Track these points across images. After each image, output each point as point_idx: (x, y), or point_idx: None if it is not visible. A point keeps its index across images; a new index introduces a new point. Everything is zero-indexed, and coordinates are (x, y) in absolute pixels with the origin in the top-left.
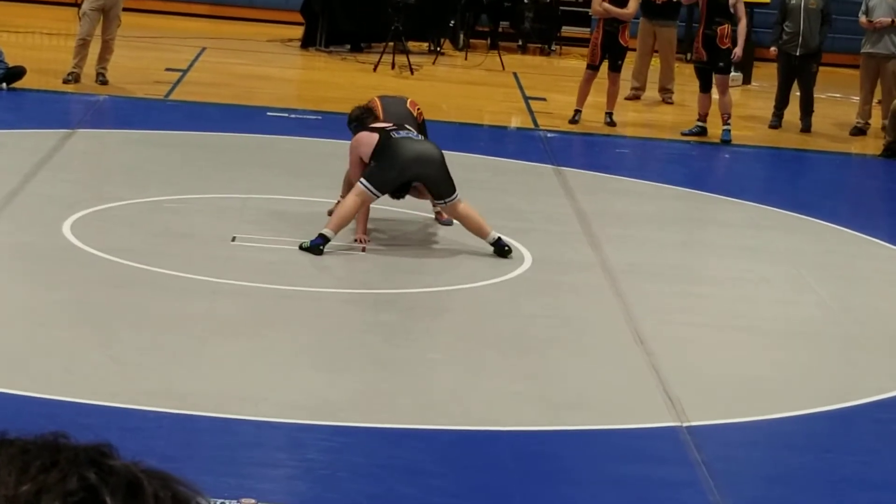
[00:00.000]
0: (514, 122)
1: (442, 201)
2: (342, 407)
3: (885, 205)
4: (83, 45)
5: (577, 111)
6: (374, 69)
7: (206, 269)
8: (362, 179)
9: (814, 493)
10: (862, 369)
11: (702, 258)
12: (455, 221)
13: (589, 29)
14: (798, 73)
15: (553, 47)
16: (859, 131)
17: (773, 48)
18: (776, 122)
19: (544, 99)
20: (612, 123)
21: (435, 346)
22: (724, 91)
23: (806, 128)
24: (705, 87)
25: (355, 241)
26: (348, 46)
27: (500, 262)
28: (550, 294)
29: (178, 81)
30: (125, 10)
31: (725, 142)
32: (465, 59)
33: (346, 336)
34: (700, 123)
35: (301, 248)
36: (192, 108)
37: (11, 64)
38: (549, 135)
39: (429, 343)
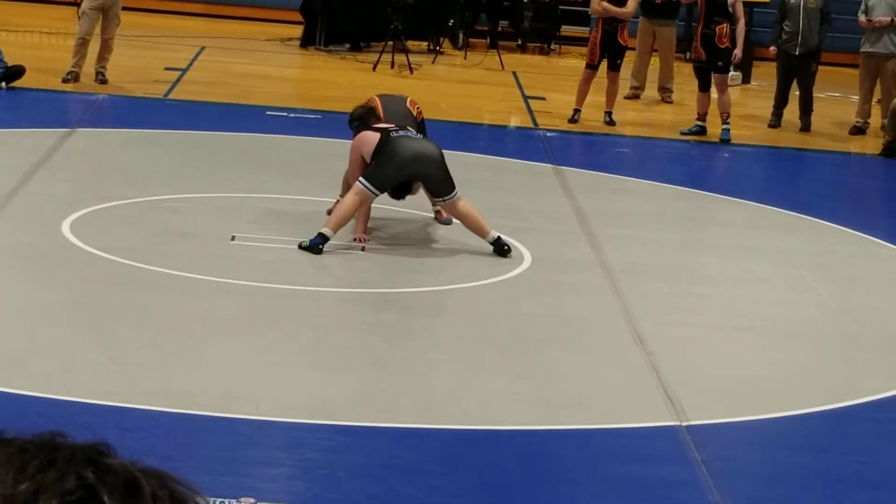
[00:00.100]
0: (514, 122)
1: (441, 199)
2: (342, 406)
3: (884, 204)
4: (82, 44)
5: (577, 110)
6: (374, 68)
7: (206, 269)
8: (361, 178)
9: (813, 492)
10: (861, 369)
11: (701, 258)
12: (455, 221)
13: (588, 28)
14: (797, 72)
15: (552, 46)
16: (859, 130)
17: (772, 47)
18: (775, 121)
19: (544, 98)
20: (611, 123)
21: (434, 345)
22: (723, 90)
23: (805, 127)
24: (704, 87)
25: (355, 240)
26: (348, 45)
27: (499, 262)
28: (550, 293)
29: (178, 81)
30: (124, 9)
31: (725, 141)
32: (465, 58)
33: (346, 335)
34: (699, 123)
35: (300, 247)
36: (192, 108)
37: (11, 63)
38: (548, 134)
39: (428, 343)
